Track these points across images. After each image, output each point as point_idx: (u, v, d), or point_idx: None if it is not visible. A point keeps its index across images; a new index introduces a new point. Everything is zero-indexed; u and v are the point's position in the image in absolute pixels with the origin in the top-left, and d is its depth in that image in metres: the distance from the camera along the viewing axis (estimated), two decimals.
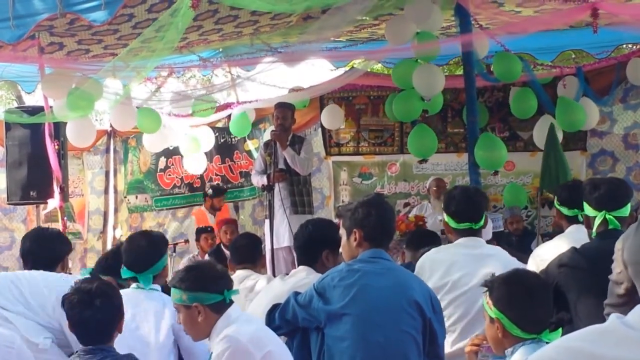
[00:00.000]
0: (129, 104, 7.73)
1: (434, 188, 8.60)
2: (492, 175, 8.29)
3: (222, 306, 3.15)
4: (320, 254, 3.87)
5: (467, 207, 3.96)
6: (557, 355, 1.36)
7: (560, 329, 2.71)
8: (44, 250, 4.04)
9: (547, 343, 2.63)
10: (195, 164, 9.32)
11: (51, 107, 6.94)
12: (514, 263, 3.83)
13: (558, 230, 4.70)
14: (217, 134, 9.68)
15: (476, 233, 3.98)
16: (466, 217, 3.96)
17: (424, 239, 5.14)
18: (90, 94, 6.79)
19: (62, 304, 3.09)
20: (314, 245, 3.91)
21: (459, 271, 3.82)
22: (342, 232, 3.55)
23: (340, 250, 3.62)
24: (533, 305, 2.74)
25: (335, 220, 4.96)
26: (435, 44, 6.80)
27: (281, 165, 7.41)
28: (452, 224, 4.00)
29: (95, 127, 8.23)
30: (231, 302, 3.21)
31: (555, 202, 4.47)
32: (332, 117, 9.17)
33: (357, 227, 3.44)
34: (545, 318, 2.73)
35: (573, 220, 4.31)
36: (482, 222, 4.00)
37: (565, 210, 4.35)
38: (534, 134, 7.79)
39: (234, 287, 4.53)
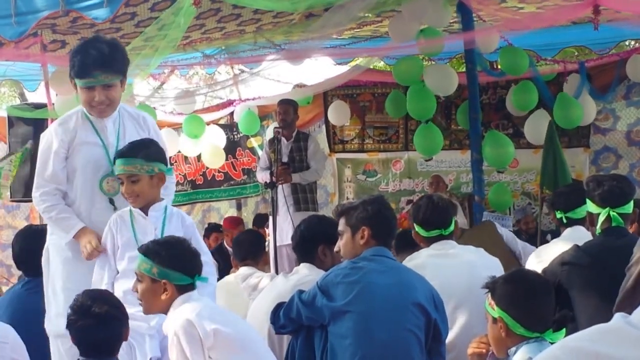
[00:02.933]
0: (130, 101, 7.73)
1: (432, 185, 8.62)
2: (495, 172, 8.30)
3: (187, 288, 3.13)
4: (316, 250, 3.91)
5: (433, 215, 4.02)
6: (562, 355, 1.36)
7: (564, 329, 2.71)
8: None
9: (550, 342, 2.64)
10: (214, 159, 9.35)
11: (53, 104, 6.94)
12: (479, 262, 3.87)
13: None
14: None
15: (447, 238, 4.02)
16: (434, 225, 4.01)
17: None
18: None
19: (68, 323, 3.02)
20: (307, 242, 3.96)
21: (429, 274, 3.80)
22: (344, 229, 3.55)
23: (338, 248, 3.61)
24: (535, 302, 2.74)
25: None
26: (439, 40, 6.79)
27: (285, 160, 7.42)
28: (422, 232, 4.05)
29: None
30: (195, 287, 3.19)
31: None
32: (339, 113, 9.17)
33: (366, 224, 3.46)
34: (548, 316, 2.73)
35: (562, 222, 4.38)
36: (451, 228, 4.05)
37: (558, 214, 4.41)
38: (526, 128, 7.73)
39: (238, 286, 4.52)
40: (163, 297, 3.09)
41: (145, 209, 3.66)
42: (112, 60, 3.66)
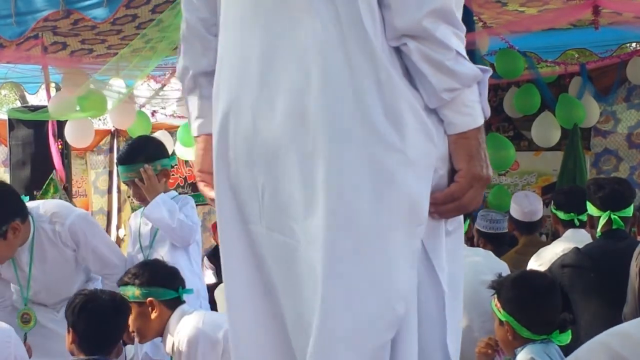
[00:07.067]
0: (131, 102, 7.72)
1: None
2: (497, 175, 8.27)
3: (176, 303, 3.11)
4: None
5: None
6: (612, 341, 1.30)
7: (569, 330, 2.70)
8: None
9: (556, 343, 2.64)
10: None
11: None
12: (485, 265, 3.87)
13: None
14: None
15: None
16: None
17: None
18: (100, 94, 6.79)
19: (73, 311, 2.91)
20: None
21: None
22: None
23: None
24: (542, 306, 2.72)
25: None
26: None
27: None
28: None
29: (94, 127, 8.21)
30: (184, 301, 3.17)
31: (552, 206, 4.52)
32: None
33: None
34: (555, 318, 2.72)
35: (569, 224, 4.35)
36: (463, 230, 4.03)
37: (561, 215, 4.39)
38: (532, 131, 7.71)
39: None
40: (153, 316, 3.07)
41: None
42: None
